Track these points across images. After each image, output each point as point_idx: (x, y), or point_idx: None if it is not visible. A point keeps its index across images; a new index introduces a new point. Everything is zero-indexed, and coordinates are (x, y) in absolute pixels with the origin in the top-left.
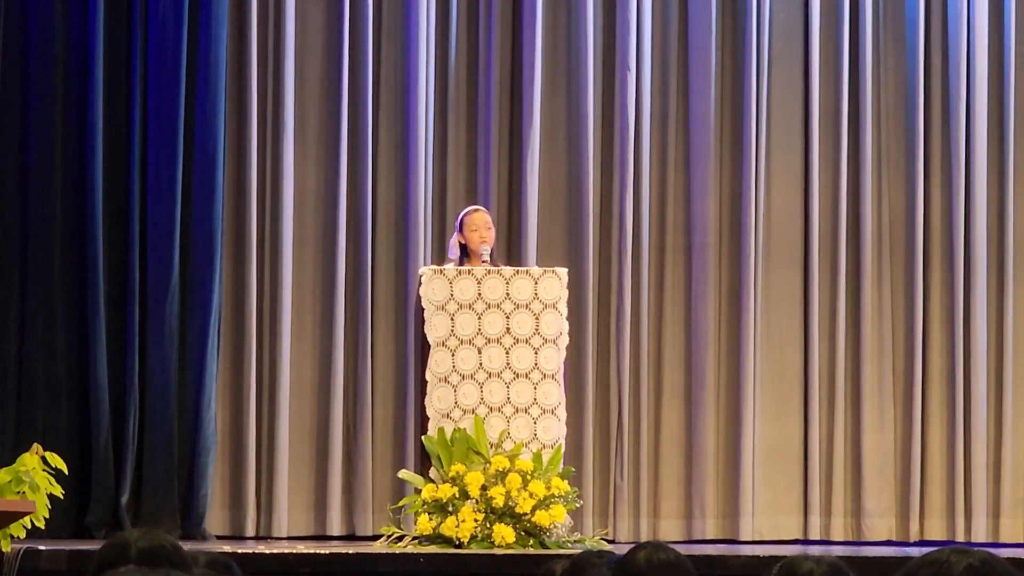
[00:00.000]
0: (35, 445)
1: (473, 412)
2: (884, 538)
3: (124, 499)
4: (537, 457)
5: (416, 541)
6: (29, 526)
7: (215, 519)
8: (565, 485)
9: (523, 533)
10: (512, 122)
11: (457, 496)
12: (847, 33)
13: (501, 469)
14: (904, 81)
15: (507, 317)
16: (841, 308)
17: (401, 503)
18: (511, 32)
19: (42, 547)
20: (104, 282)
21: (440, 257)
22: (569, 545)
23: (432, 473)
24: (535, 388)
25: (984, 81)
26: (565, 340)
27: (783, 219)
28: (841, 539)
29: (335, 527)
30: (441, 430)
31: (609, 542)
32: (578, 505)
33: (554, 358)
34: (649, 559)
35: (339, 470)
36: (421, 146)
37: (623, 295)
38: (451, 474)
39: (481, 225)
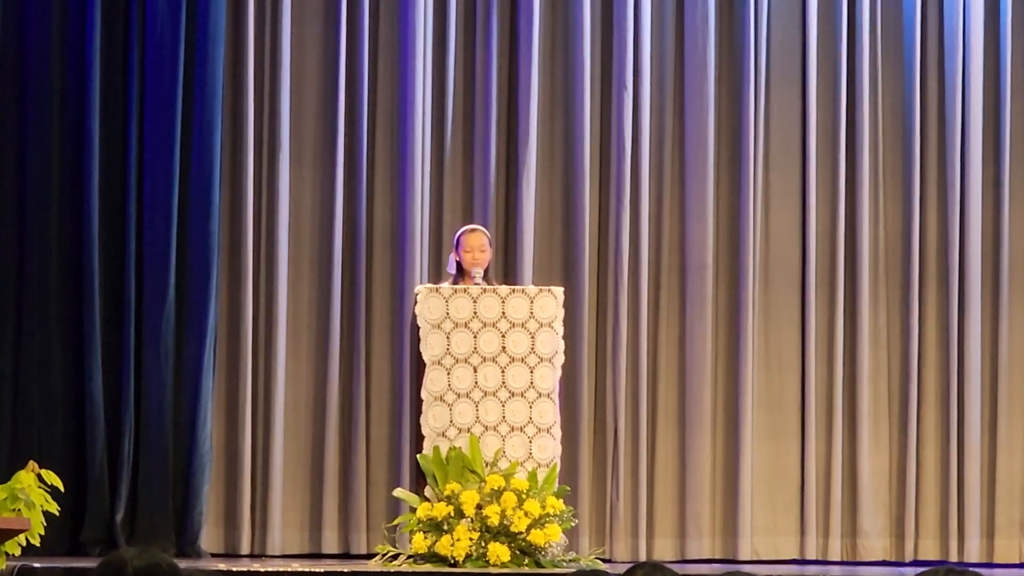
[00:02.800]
0: (31, 462)
1: (468, 431)
2: (879, 558)
3: (119, 517)
4: (532, 476)
5: (411, 560)
6: (24, 543)
7: (210, 537)
8: (560, 504)
9: (518, 552)
10: (508, 140)
11: (452, 515)
12: (844, 54)
13: (496, 488)
14: (901, 102)
15: (503, 336)
16: (838, 329)
17: (396, 521)
18: (507, 50)
19: (37, 564)
20: (100, 300)
21: (436, 276)
22: (564, 564)
23: (427, 492)
24: (531, 407)
25: (980, 102)
26: (561, 359)
27: (780, 239)
28: (838, 559)
29: (330, 545)
30: (436, 449)
31: (605, 561)
32: (573, 524)
33: (550, 377)
34: None
35: (334, 488)
36: (417, 165)
37: (619, 314)
38: (446, 493)
39: (475, 247)
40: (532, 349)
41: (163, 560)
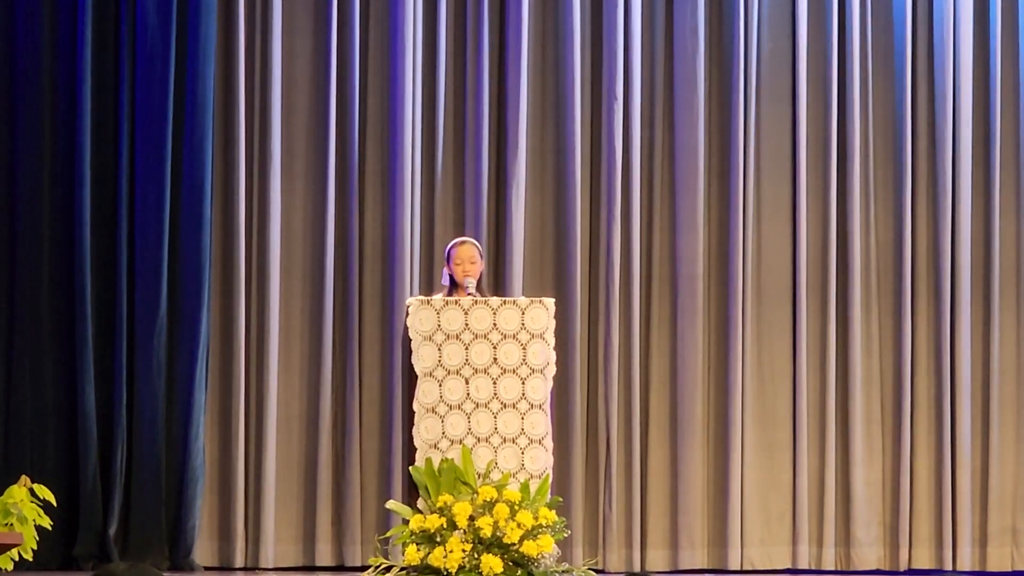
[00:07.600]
0: (23, 477)
1: (460, 442)
2: (873, 567)
3: (112, 530)
4: (524, 487)
5: (404, 572)
6: (17, 558)
7: (203, 550)
8: (553, 515)
9: (511, 563)
10: (499, 152)
11: (445, 527)
12: (835, 64)
13: (489, 499)
14: (891, 112)
15: (494, 347)
16: (830, 338)
17: (389, 534)
18: (497, 63)
19: None
20: (92, 315)
21: (427, 288)
22: (557, 575)
23: (420, 504)
24: (522, 418)
25: (969, 112)
26: (552, 370)
27: (771, 250)
28: (831, 569)
29: (323, 558)
30: (428, 460)
31: (598, 572)
32: (566, 535)
33: (541, 388)
34: None
35: (327, 501)
36: (408, 177)
37: (611, 325)
38: (439, 504)
39: (466, 259)
40: (524, 360)
41: (155, 574)
